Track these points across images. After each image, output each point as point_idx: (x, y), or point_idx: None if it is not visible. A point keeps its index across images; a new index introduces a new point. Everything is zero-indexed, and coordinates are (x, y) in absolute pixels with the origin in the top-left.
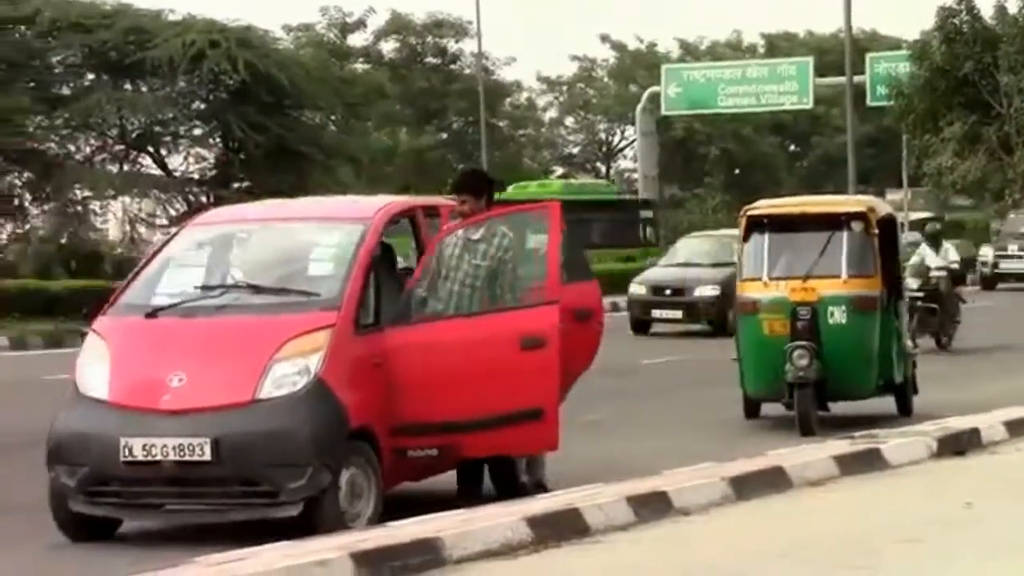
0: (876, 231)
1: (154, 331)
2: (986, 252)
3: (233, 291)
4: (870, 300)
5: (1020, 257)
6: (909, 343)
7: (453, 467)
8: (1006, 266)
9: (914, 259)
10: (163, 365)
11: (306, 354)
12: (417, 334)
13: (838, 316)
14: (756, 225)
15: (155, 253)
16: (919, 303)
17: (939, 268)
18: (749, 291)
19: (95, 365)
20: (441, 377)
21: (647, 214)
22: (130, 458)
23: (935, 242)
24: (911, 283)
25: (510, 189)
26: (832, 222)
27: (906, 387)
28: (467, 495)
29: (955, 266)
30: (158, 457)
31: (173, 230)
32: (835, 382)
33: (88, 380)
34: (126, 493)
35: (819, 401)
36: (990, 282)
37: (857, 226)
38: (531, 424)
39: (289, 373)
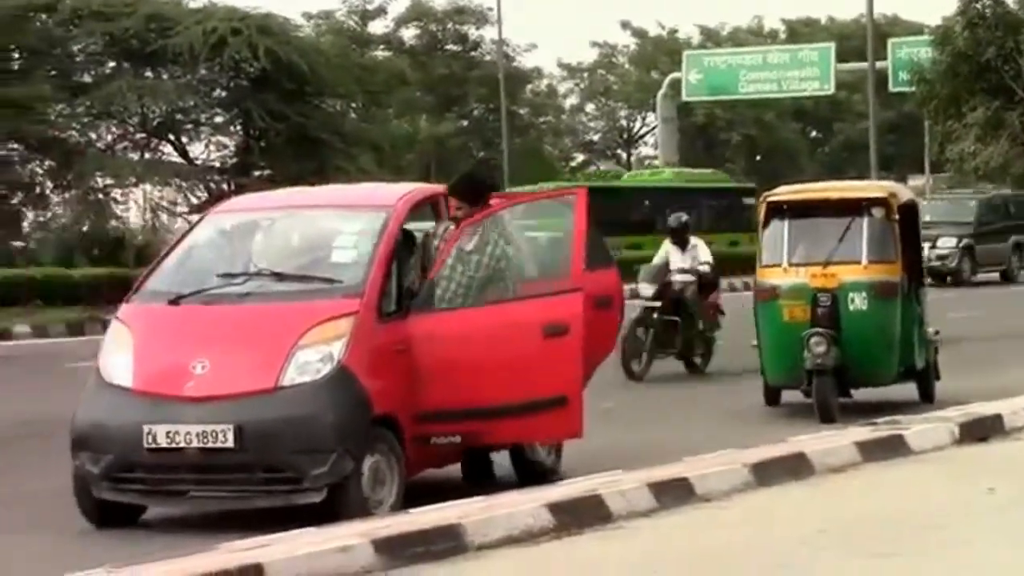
0: (897, 217)
1: (177, 318)
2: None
3: (256, 278)
4: (891, 286)
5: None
6: (931, 329)
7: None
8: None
9: (656, 259)
10: (186, 352)
11: (329, 341)
12: (440, 321)
13: (859, 302)
14: (776, 211)
15: (179, 241)
16: (655, 315)
17: (682, 271)
18: (769, 277)
19: (119, 352)
20: (464, 364)
21: (750, 201)
22: (154, 445)
23: (680, 239)
24: (644, 290)
25: (624, 176)
26: (852, 208)
27: (928, 373)
28: (475, 480)
29: (705, 268)
30: (181, 444)
31: (195, 218)
32: (856, 368)
33: (112, 367)
34: (150, 480)
35: (840, 388)
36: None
37: (878, 212)
38: (555, 412)
39: (312, 360)
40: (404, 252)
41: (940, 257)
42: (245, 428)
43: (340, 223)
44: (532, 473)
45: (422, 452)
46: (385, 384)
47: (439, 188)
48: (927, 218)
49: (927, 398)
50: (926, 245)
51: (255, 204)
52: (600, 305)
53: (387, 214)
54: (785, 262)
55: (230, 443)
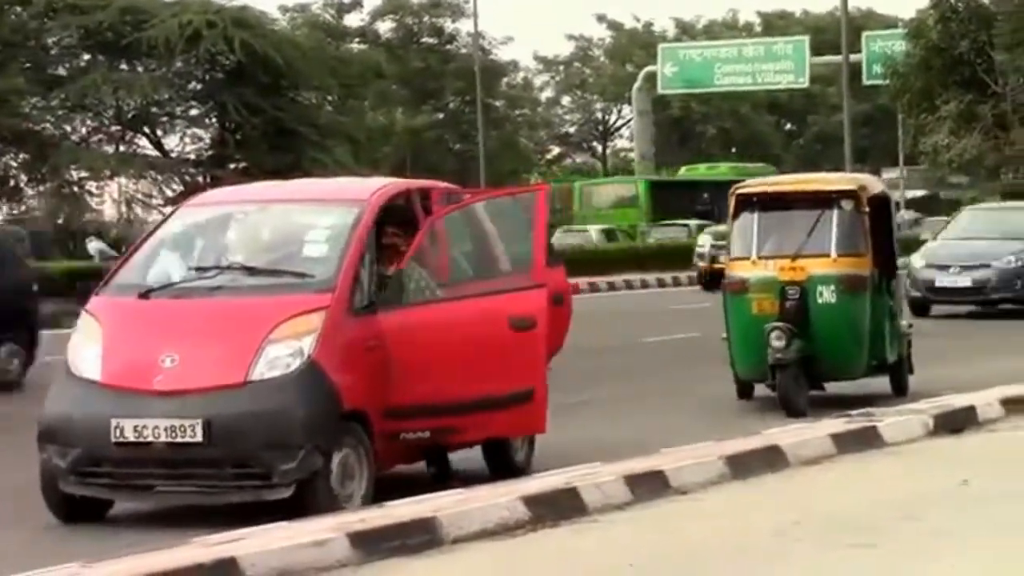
0: (867, 209)
1: (147, 312)
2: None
3: (227, 272)
4: (860, 279)
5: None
6: (904, 323)
7: (450, 450)
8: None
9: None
10: (156, 346)
11: (300, 336)
12: (410, 316)
13: (827, 295)
14: (745, 204)
15: (150, 233)
16: None
17: None
18: (738, 270)
19: (87, 346)
20: (433, 359)
21: None
22: (121, 439)
23: None
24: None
25: (682, 170)
26: (822, 201)
27: (900, 367)
28: (440, 478)
29: None
30: (149, 438)
31: (169, 211)
32: (825, 362)
33: (80, 361)
34: (117, 474)
35: (811, 381)
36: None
37: (847, 204)
38: (522, 406)
39: (282, 355)
40: (377, 247)
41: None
42: (214, 423)
43: (313, 217)
44: (506, 470)
45: (392, 448)
46: (355, 379)
47: (414, 183)
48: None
49: (900, 391)
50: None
51: (228, 197)
52: (555, 302)
53: (360, 208)
54: (754, 255)
55: (198, 438)
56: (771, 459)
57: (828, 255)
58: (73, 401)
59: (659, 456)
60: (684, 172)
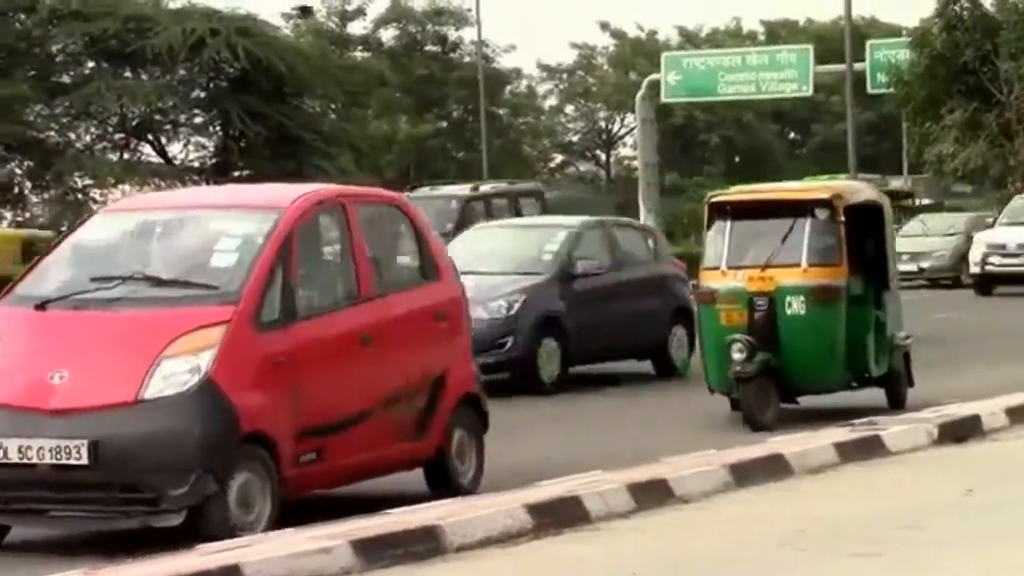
0: (843, 219)
1: (41, 325)
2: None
3: (130, 283)
4: (832, 290)
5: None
6: (900, 334)
7: (383, 472)
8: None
9: None
10: (46, 361)
11: (197, 351)
12: (324, 329)
13: (796, 307)
14: (719, 212)
15: (60, 240)
16: None
17: None
18: (708, 280)
19: None
20: (341, 374)
21: (907, 202)
22: (5, 460)
23: None
24: None
25: (806, 180)
26: (796, 209)
27: (894, 379)
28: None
29: None
30: (34, 460)
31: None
32: (796, 375)
33: None
34: (3, 498)
35: (782, 394)
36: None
37: (822, 213)
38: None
39: (178, 371)
40: (297, 256)
41: None
42: (101, 444)
43: (228, 225)
44: (448, 492)
45: (308, 471)
46: (260, 399)
47: (348, 190)
48: None
49: (896, 404)
50: None
51: (146, 203)
52: (435, 318)
53: (278, 216)
54: (723, 265)
55: (84, 460)
56: (774, 468)
57: (798, 265)
58: None
59: (662, 465)
60: (806, 180)
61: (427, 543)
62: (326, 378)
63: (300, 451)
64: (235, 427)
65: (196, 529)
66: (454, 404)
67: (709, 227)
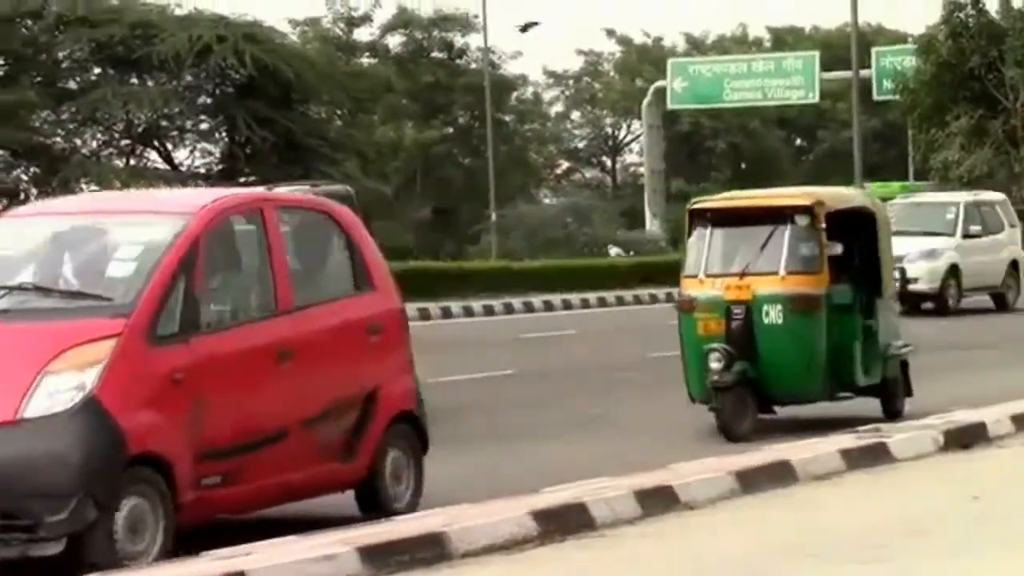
0: (823, 225)
1: None
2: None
3: (18, 293)
4: (811, 299)
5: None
6: (898, 343)
7: (307, 495)
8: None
9: None
10: None
11: (83, 367)
12: (223, 344)
13: (774, 315)
14: (700, 219)
15: None
16: None
17: None
18: (687, 288)
19: None
20: (246, 390)
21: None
22: None
23: None
24: None
25: (874, 186)
26: (776, 216)
27: (889, 389)
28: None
29: None
30: None
31: None
32: (774, 384)
33: None
34: None
35: (761, 404)
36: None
37: (802, 220)
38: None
39: (61, 389)
40: (204, 265)
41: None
42: None
43: (134, 231)
44: (381, 513)
45: (213, 495)
46: (152, 418)
47: (264, 195)
48: None
49: (891, 414)
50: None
51: (50, 208)
52: (369, 332)
53: (185, 222)
54: (702, 273)
55: None
56: (780, 474)
57: (776, 273)
58: None
59: (668, 471)
60: (875, 188)
61: (433, 550)
62: (234, 395)
63: (202, 474)
64: (121, 449)
65: (78, 558)
66: (388, 423)
67: (690, 234)
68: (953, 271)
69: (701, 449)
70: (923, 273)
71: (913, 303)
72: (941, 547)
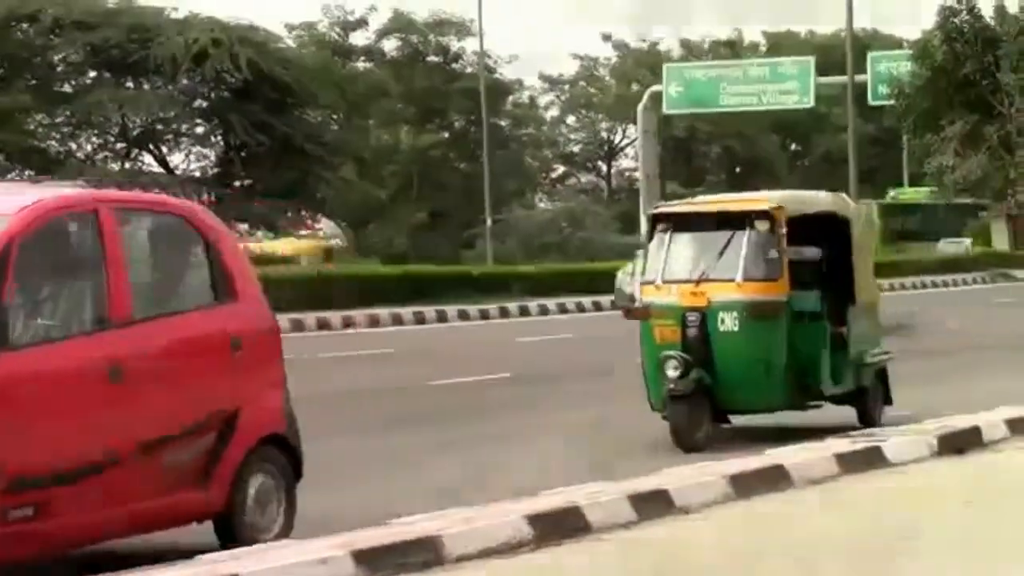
0: (784, 231)
1: None
2: None
3: None
4: (770, 305)
5: None
6: (874, 350)
7: (151, 528)
8: None
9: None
10: None
11: None
12: (36, 361)
13: (729, 323)
14: (661, 225)
15: None
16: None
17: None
18: (645, 295)
19: None
20: (70, 415)
21: (983, 213)
22: None
23: None
24: None
25: (895, 192)
26: (735, 221)
27: (865, 397)
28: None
29: None
30: None
31: None
32: (729, 393)
33: None
34: None
35: (715, 413)
36: None
37: (762, 225)
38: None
39: None
40: (15, 272)
41: None
42: None
43: None
44: (243, 544)
45: (23, 530)
46: None
47: (108, 194)
48: None
49: (866, 423)
50: None
51: None
52: (232, 347)
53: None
54: (659, 279)
55: None
56: (775, 479)
57: (733, 280)
58: None
59: (662, 475)
60: (895, 193)
61: (427, 553)
62: (49, 418)
63: (9, 505)
64: None
65: None
66: (252, 446)
67: (650, 240)
68: None
69: (697, 454)
70: None
71: None
72: (935, 551)
